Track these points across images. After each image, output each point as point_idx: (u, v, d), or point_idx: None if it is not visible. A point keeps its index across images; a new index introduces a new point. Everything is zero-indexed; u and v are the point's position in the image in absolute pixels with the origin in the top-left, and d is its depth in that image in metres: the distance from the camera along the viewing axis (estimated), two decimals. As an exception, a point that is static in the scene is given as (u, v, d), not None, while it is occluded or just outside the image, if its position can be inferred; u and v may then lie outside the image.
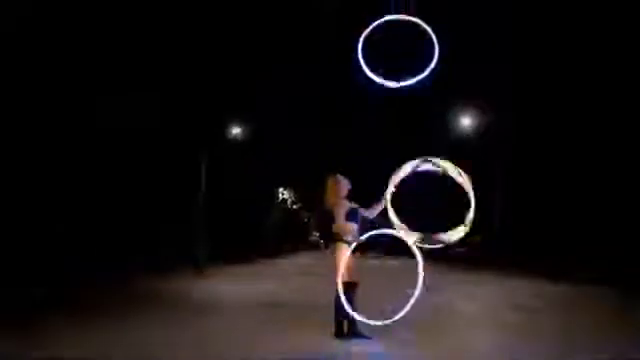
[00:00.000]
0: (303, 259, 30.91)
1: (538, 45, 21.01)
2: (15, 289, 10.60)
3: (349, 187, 6.66)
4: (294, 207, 53.92)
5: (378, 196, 6.51)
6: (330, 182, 6.65)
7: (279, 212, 43.44)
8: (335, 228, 6.48)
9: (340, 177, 6.67)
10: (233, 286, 12.99)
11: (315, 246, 55.73)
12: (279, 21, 24.84)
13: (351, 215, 6.50)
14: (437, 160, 6.36)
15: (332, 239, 6.52)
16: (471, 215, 6.16)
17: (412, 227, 6.43)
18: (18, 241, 14.14)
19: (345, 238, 6.40)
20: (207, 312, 8.59)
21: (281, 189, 46.43)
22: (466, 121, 26.96)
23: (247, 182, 30.09)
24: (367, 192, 7.09)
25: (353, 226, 6.49)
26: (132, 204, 19.29)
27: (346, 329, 6.38)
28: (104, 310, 8.34)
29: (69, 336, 6.23)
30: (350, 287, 6.32)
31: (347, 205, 6.54)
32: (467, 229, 6.22)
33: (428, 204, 25.35)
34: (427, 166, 6.41)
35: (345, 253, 6.30)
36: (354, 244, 6.36)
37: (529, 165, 23.24)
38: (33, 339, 5.98)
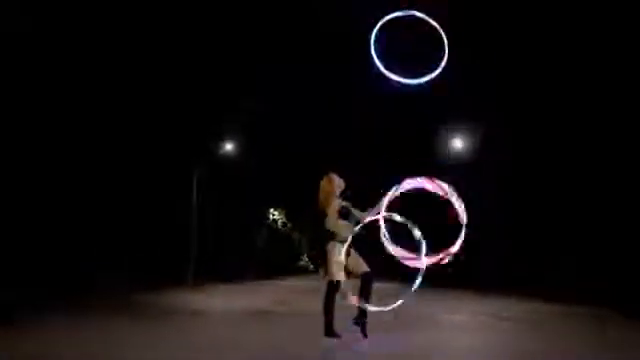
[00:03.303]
0: (293, 281, 30.79)
1: (527, 56, 21.16)
2: (15, 289, 10.51)
3: (342, 187, 6.63)
4: (285, 228, 53.79)
5: (374, 202, 6.52)
6: (324, 181, 6.61)
7: (269, 233, 43.31)
8: (326, 225, 6.43)
9: (334, 176, 6.63)
10: (223, 299, 13.02)
11: (305, 270, 55.42)
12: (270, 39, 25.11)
13: (343, 214, 6.50)
14: (439, 182, 6.37)
15: (325, 238, 6.45)
16: (457, 246, 6.24)
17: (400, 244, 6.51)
18: (18, 244, 14.04)
19: (337, 237, 6.40)
20: (198, 318, 8.65)
21: (272, 209, 46.37)
22: (458, 143, 27.05)
23: (238, 201, 30.07)
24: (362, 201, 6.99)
25: (345, 224, 6.47)
26: (128, 215, 19.28)
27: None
28: (103, 315, 8.33)
29: (67, 336, 6.24)
30: (334, 286, 6.39)
31: (339, 203, 6.53)
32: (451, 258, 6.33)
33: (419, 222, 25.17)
34: (428, 186, 6.44)
35: (336, 252, 6.33)
36: (346, 242, 6.34)
37: (522, 186, 23.28)
38: (32, 339, 5.96)
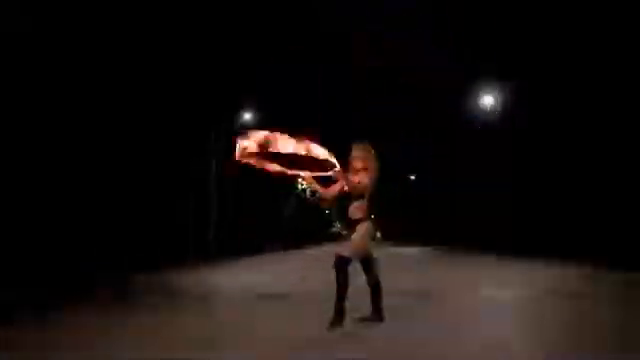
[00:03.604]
0: (326, 248, 30.16)
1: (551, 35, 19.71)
2: (15, 289, 10.18)
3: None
4: (313, 197, 53.04)
5: None
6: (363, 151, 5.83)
7: (297, 202, 42.57)
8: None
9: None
10: (241, 276, 12.30)
11: (338, 236, 55.15)
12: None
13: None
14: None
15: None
16: None
17: None
18: (18, 243, 13.68)
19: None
20: (209, 304, 7.86)
21: (300, 178, 45.64)
22: (488, 100, 25.56)
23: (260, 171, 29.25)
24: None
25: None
26: (138, 193, 18.64)
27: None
28: (103, 315, 7.72)
29: (67, 337, 5.69)
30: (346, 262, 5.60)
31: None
32: None
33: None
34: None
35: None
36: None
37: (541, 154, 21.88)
38: (32, 339, 5.54)
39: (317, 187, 5.78)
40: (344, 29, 24.41)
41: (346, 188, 5.71)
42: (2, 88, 14.03)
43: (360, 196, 5.68)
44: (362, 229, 5.61)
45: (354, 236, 5.61)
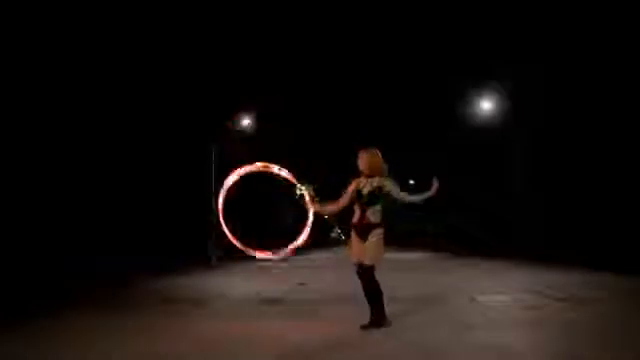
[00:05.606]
0: (325, 254, 30.07)
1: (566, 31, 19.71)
2: (15, 289, 10.18)
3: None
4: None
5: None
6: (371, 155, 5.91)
7: (297, 208, 42.49)
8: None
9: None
10: (242, 282, 12.29)
11: (337, 242, 55.06)
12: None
13: None
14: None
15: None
16: None
17: None
18: (18, 240, 13.67)
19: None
20: (208, 309, 7.83)
21: (298, 184, 45.56)
22: (486, 105, 25.56)
23: (260, 178, 29.20)
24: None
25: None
26: (140, 199, 18.61)
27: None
28: (111, 308, 7.73)
29: (68, 337, 5.77)
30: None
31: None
32: None
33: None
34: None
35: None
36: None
37: (552, 150, 21.83)
38: (34, 339, 5.62)
39: (323, 210, 6.04)
40: (341, 29, 24.64)
41: (365, 191, 5.67)
42: (5, 90, 14.06)
43: (377, 202, 5.68)
44: (378, 235, 5.61)
45: (370, 242, 5.59)
